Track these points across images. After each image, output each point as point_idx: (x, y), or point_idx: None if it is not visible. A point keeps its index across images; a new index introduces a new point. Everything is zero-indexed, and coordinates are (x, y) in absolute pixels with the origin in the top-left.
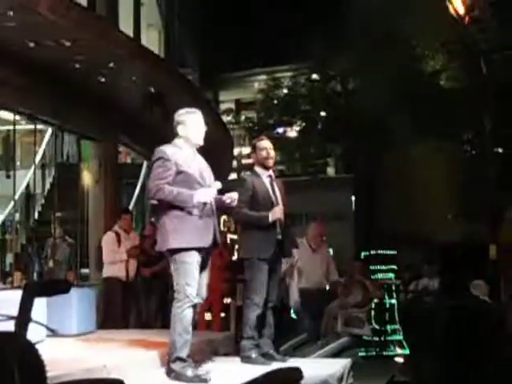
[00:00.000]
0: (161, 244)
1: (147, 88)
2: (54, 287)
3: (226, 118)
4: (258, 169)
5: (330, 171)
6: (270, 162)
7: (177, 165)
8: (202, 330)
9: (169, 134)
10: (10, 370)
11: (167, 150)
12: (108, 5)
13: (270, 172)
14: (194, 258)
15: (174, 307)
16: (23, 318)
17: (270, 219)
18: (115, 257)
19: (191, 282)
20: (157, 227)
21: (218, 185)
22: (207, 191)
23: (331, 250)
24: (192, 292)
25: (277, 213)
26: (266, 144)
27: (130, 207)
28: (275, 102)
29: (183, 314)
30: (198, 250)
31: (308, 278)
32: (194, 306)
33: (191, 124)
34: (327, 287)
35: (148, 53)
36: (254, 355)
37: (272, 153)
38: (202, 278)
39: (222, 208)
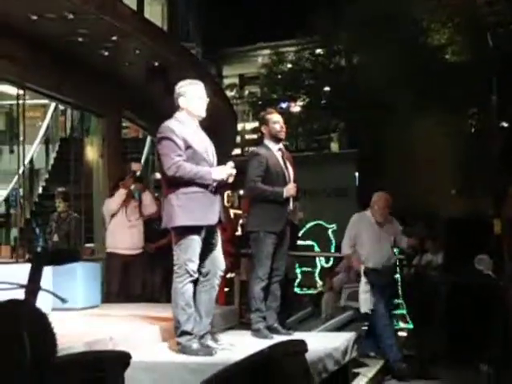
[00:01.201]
0: (166, 221)
1: (151, 62)
2: (63, 256)
3: (229, 93)
4: (268, 142)
5: (334, 146)
6: (283, 135)
7: (185, 141)
8: (221, 303)
9: (172, 109)
10: (20, 336)
11: (174, 126)
12: None
13: (281, 145)
14: (199, 235)
15: (174, 282)
16: (33, 286)
17: (285, 195)
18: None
19: (193, 258)
20: (161, 203)
21: (231, 164)
22: (224, 169)
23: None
24: (193, 268)
25: (291, 189)
26: (278, 117)
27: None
28: (279, 76)
29: (184, 288)
30: (203, 227)
31: (374, 257)
32: (195, 282)
33: (193, 95)
34: (392, 261)
35: (151, 26)
36: (261, 328)
37: (283, 125)
38: (216, 251)
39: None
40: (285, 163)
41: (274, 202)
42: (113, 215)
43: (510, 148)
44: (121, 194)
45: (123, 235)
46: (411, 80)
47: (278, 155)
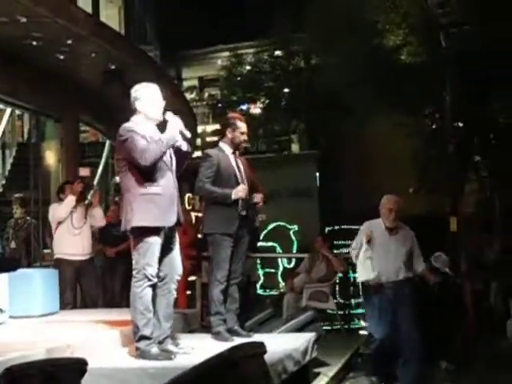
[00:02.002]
0: (125, 222)
1: (107, 65)
2: (1, 265)
3: (189, 96)
4: (224, 145)
5: (295, 148)
6: (244, 144)
7: (145, 139)
8: (182, 306)
9: (129, 112)
10: None
11: (133, 127)
12: None
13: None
14: (157, 238)
15: (133, 286)
16: None
17: (233, 197)
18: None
19: (152, 262)
20: (121, 206)
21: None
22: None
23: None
24: (152, 272)
25: (240, 191)
26: (244, 127)
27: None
28: (238, 78)
29: (143, 293)
30: (161, 229)
31: (381, 268)
32: (154, 286)
33: (148, 98)
34: (402, 276)
35: (107, 29)
36: (222, 331)
37: (245, 135)
38: (173, 255)
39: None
40: (238, 167)
41: (224, 204)
42: (59, 222)
43: (466, 147)
44: (70, 200)
45: (71, 241)
46: (368, 81)
47: (232, 158)
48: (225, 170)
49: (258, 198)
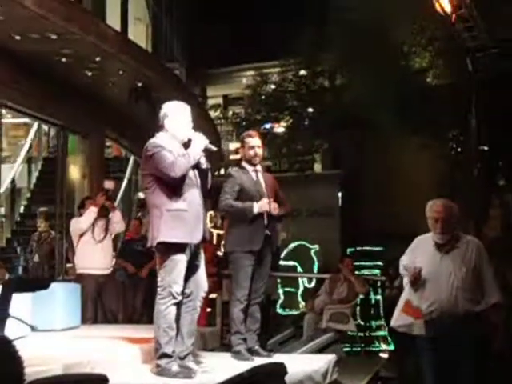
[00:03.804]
0: (151, 239)
1: (134, 82)
2: (32, 284)
3: (213, 114)
4: (244, 164)
5: (317, 167)
6: (257, 160)
7: (172, 153)
8: (202, 324)
9: (155, 129)
10: None
11: (160, 142)
12: None
13: (257, 167)
14: (183, 255)
15: (157, 304)
16: (1, 314)
17: (256, 211)
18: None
19: (177, 280)
20: (143, 222)
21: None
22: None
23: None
24: (177, 290)
25: (264, 205)
26: (254, 142)
27: (117, 202)
28: (263, 97)
29: (167, 310)
30: (187, 246)
31: (427, 297)
32: (178, 304)
33: (178, 117)
34: (461, 309)
35: (135, 47)
36: (242, 350)
37: (259, 151)
38: (199, 272)
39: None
40: (260, 183)
41: (246, 220)
42: (81, 235)
43: (490, 171)
44: (91, 212)
45: (93, 255)
46: (393, 102)
47: (253, 175)
48: (248, 188)
49: (275, 207)
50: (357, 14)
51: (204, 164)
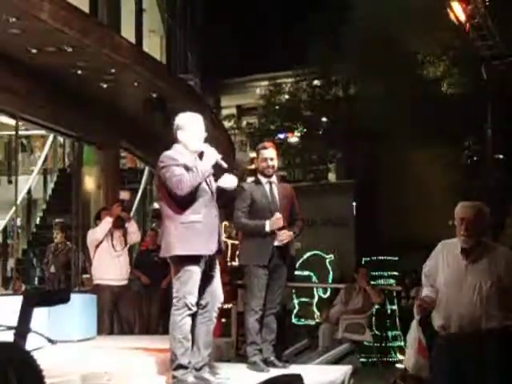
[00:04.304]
0: (165, 250)
1: (149, 94)
2: (53, 297)
3: (227, 124)
4: (259, 175)
5: (331, 177)
6: (270, 172)
7: (186, 168)
8: (217, 335)
9: (170, 140)
10: (8, 381)
11: (174, 155)
12: (110, 11)
13: (272, 179)
14: (198, 266)
15: (172, 315)
16: (22, 328)
17: (268, 229)
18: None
19: (192, 291)
20: (158, 233)
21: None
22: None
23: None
24: (192, 301)
25: (275, 223)
26: (267, 154)
27: (132, 213)
28: (276, 107)
29: (182, 321)
30: (202, 257)
31: (448, 311)
32: (194, 314)
33: (190, 128)
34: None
35: (150, 59)
36: (258, 361)
37: (272, 162)
38: (214, 283)
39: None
40: (273, 197)
41: (259, 235)
42: (97, 246)
43: (506, 179)
44: (107, 222)
45: (109, 266)
46: (407, 111)
47: (267, 188)
48: (259, 201)
49: (282, 236)
50: (371, 24)
51: (229, 187)
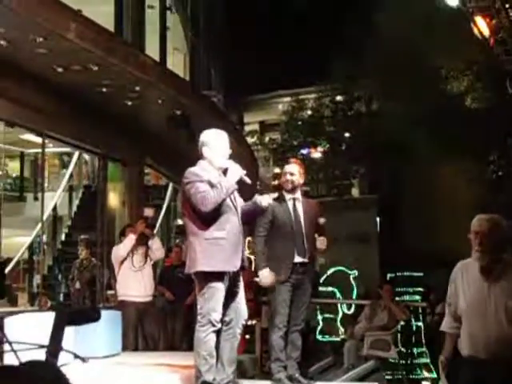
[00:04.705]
0: (190, 266)
1: (173, 111)
2: (84, 316)
3: (250, 140)
4: (284, 191)
5: (355, 192)
6: (288, 187)
7: (211, 185)
8: (241, 351)
9: (193, 157)
10: None
11: (199, 172)
12: (135, 30)
13: (296, 195)
14: (222, 283)
15: (197, 331)
16: (54, 346)
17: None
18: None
19: (216, 308)
20: (183, 249)
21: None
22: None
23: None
24: (216, 317)
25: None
26: (288, 168)
27: (156, 229)
28: (299, 123)
29: (207, 338)
30: (226, 274)
31: (471, 335)
32: (218, 331)
33: (215, 145)
34: None
35: (173, 76)
36: (282, 378)
37: (292, 177)
38: (238, 299)
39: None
40: (296, 214)
41: (278, 250)
42: (122, 262)
43: None
44: (131, 238)
45: (133, 282)
46: (431, 126)
47: (290, 204)
48: (281, 220)
49: (320, 241)
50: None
51: (265, 205)
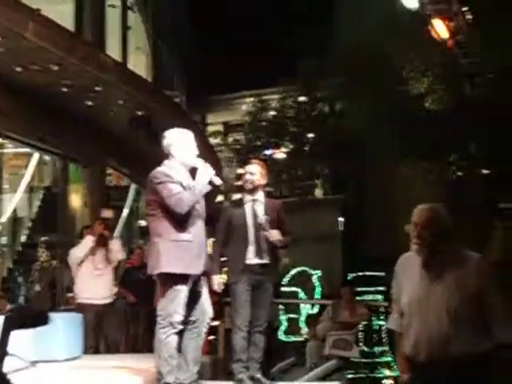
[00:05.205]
0: (153, 267)
1: (134, 111)
2: (32, 320)
3: (213, 141)
4: (244, 193)
5: (318, 193)
6: (248, 187)
7: (181, 186)
8: (205, 352)
9: (156, 157)
10: None
11: (168, 171)
12: (95, 29)
13: (256, 196)
14: (186, 285)
15: (157, 333)
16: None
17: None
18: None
19: (178, 310)
20: (145, 251)
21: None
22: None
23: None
24: (178, 319)
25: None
26: (248, 168)
27: (117, 231)
28: (263, 123)
29: (167, 340)
30: (191, 276)
31: (417, 337)
32: (182, 330)
33: (183, 143)
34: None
35: (135, 76)
36: (244, 378)
37: (252, 177)
38: (203, 299)
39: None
40: (255, 213)
41: (232, 253)
42: (80, 264)
43: (491, 194)
44: (88, 241)
45: (92, 285)
46: (393, 127)
47: (249, 206)
48: (235, 222)
49: (271, 235)
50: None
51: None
